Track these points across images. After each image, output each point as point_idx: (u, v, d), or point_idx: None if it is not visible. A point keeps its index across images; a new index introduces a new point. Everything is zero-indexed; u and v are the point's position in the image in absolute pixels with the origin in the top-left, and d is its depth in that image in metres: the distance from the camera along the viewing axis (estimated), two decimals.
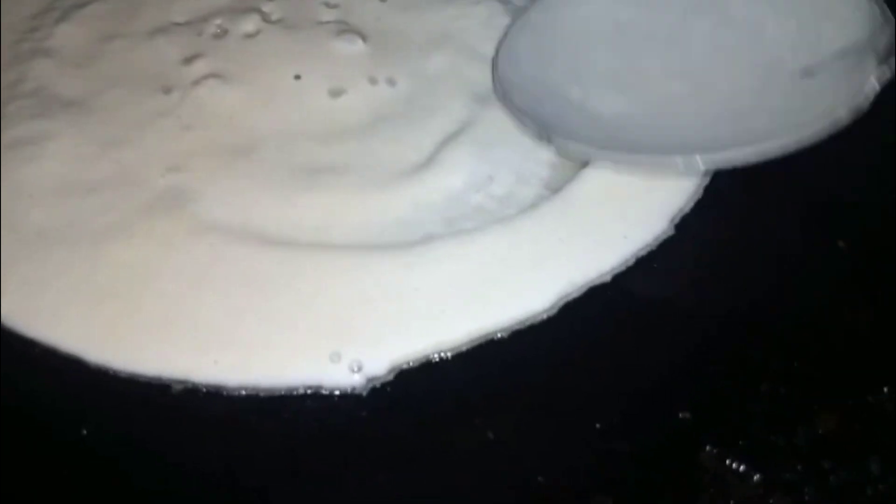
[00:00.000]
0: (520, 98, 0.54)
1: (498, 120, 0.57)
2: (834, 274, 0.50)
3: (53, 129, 0.57)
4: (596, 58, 0.55)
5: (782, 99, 0.51)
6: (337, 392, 0.45)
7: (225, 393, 0.45)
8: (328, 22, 0.63)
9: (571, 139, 0.51)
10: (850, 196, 0.54)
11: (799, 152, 0.49)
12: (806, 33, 0.53)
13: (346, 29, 0.62)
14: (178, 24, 0.64)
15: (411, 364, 0.46)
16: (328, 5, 0.64)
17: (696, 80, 0.53)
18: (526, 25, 0.58)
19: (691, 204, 0.54)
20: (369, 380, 0.46)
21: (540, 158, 0.55)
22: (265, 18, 0.63)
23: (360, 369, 0.46)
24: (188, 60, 0.61)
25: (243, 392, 0.45)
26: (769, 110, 0.51)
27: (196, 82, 0.59)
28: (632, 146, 0.50)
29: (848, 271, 0.50)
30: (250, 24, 0.63)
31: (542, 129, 0.52)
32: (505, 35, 0.59)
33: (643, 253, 0.51)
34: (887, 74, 0.48)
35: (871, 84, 0.48)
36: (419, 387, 0.46)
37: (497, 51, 0.58)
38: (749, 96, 0.52)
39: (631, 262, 0.51)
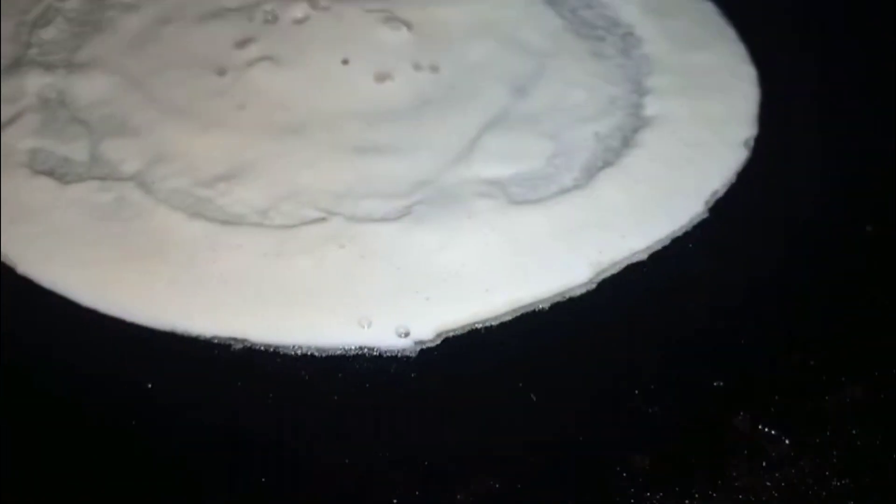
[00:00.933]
0: None
1: (536, 107, 0.59)
2: (862, 255, 0.52)
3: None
4: None
5: None
6: (388, 354, 0.48)
7: (282, 352, 0.48)
8: (374, 10, 0.65)
9: None
10: (875, 185, 0.56)
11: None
12: None
13: (391, 17, 0.64)
14: (230, 10, 0.66)
15: (457, 331, 0.48)
16: None
17: None
18: None
19: (725, 188, 0.56)
20: (417, 343, 0.48)
21: (577, 144, 0.58)
22: (314, 5, 0.66)
23: (407, 335, 0.48)
24: (241, 44, 0.63)
25: (300, 352, 0.48)
26: None
27: (249, 64, 0.62)
28: None
29: (875, 253, 0.52)
30: (299, 10, 0.65)
31: None
32: None
33: (679, 233, 0.53)
34: None
35: None
36: (464, 352, 0.48)
37: None
38: None
39: (667, 242, 0.53)
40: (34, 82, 0.61)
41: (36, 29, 0.65)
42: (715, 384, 0.46)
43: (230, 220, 0.53)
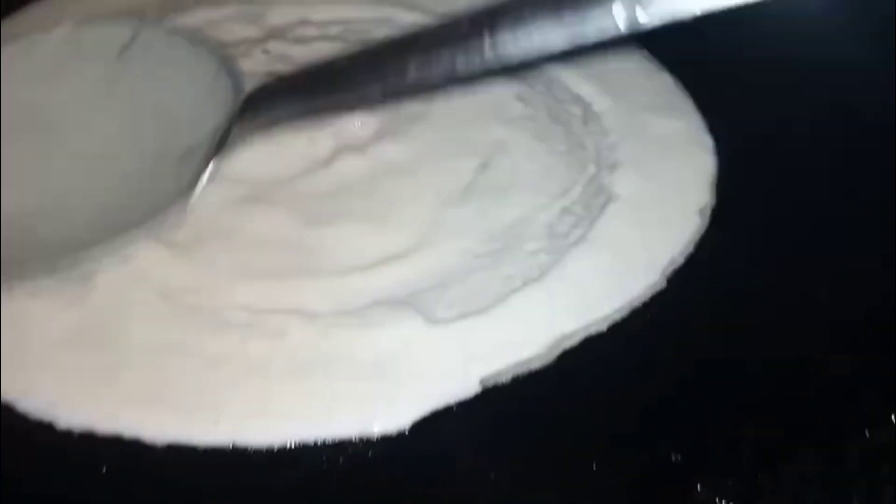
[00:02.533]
0: None
1: (497, 181, 0.60)
2: (820, 324, 0.53)
3: None
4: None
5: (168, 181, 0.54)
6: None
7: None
8: None
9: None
10: (833, 252, 0.57)
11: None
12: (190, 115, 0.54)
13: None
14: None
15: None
16: None
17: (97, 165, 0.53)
18: None
19: (683, 257, 0.57)
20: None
21: (535, 218, 0.59)
22: None
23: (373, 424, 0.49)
24: None
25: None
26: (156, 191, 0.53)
27: None
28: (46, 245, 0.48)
29: (829, 319, 0.53)
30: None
31: None
32: None
33: (637, 304, 0.54)
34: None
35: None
36: (430, 436, 0.48)
37: None
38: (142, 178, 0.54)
39: (625, 313, 0.53)
40: None
41: None
42: (672, 457, 0.47)
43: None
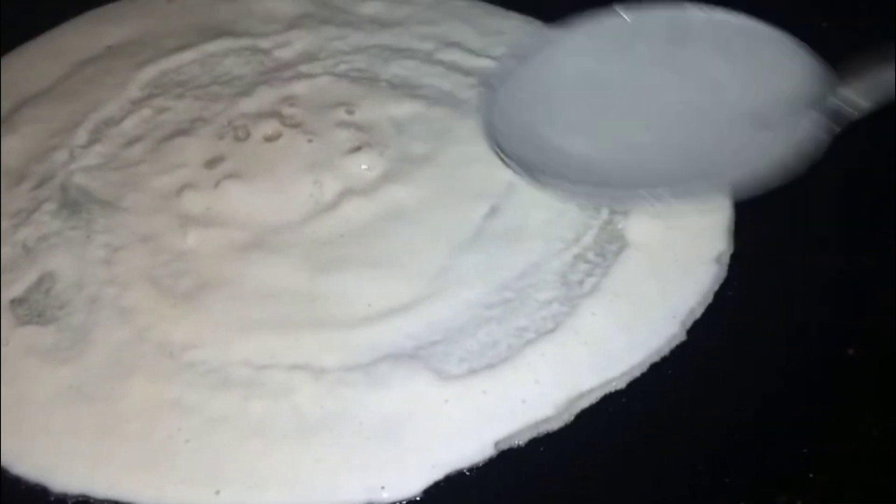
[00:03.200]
0: (507, 144, 0.59)
1: (507, 226, 0.59)
2: (846, 382, 0.51)
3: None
4: (572, 108, 0.61)
5: (738, 146, 0.56)
6: None
7: None
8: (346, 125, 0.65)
9: (550, 177, 0.57)
10: (855, 303, 0.55)
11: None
12: (755, 84, 0.58)
13: (364, 142, 0.64)
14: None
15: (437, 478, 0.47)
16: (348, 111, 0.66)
17: (658, 128, 0.59)
18: (511, 79, 0.62)
19: (701, 308, 0.55)
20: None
21: (548, 266, 0.57)
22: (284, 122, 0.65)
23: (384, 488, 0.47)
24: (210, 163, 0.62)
25: None
26: (725, 156, 0.56)
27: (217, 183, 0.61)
28: (601, 183, 0.56)
29: (859, 379, 0.51)
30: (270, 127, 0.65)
31: (527, 169, 0.58)
32: (493, 89, 0.62)
33: (656, 359, 0.52)
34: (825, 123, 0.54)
35: (816, 131, 0.54)
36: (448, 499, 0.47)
37: (486, 103, 0.61)
38: (706, 144, 0.57)
39: (644, 369, 0.51)
40: None
41: None
42: None
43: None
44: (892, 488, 0.46)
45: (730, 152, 0.56)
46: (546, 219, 0.59)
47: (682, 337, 0.53)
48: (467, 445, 0.48)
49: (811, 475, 0.46)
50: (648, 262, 0.57)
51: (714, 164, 0.56)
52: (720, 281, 0.56)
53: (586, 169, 0.57)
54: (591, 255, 0.58)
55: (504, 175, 0.61)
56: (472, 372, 0.51)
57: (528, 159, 0.58)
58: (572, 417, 0.50)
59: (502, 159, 0.58)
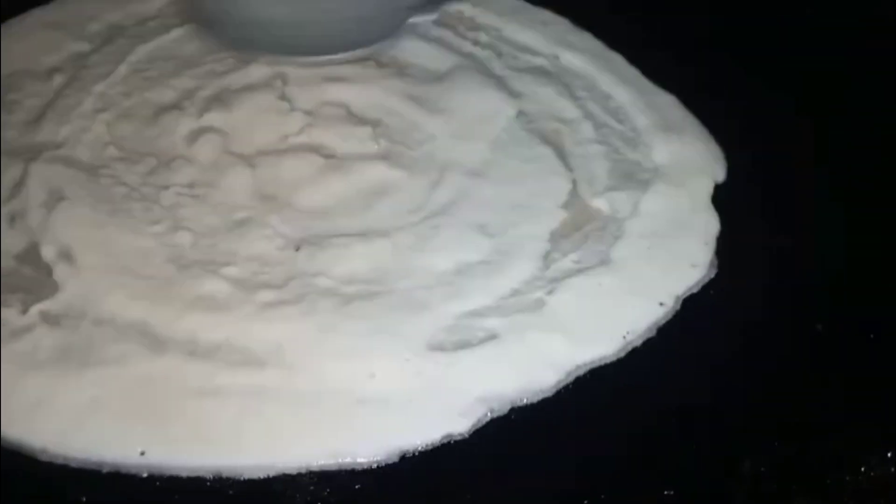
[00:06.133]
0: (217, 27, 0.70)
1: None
2: (812, 355, 0.52)
3: None
4: None
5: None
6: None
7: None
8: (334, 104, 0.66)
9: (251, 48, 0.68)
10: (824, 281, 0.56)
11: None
12: None
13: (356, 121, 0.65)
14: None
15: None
16: None
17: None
18: None
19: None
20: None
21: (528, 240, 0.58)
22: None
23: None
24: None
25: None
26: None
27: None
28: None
29: (826, 352, 0.52)
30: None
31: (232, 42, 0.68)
32: None
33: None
34: None
35: None
36: (430, 467, 0.48)
37: None
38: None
39: (622, 355, 0.53)
40: None
41: None
42: (665, 492, 0.46)
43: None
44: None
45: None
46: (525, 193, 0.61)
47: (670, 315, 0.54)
48: (448, 414, 0.49)
49: (775, 443, 0.48)
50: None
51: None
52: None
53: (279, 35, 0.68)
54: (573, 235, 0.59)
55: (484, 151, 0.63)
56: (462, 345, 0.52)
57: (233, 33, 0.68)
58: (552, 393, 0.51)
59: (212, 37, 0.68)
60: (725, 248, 0.58)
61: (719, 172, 0.63)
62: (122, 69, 0.68)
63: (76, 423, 0.49)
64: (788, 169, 0.63)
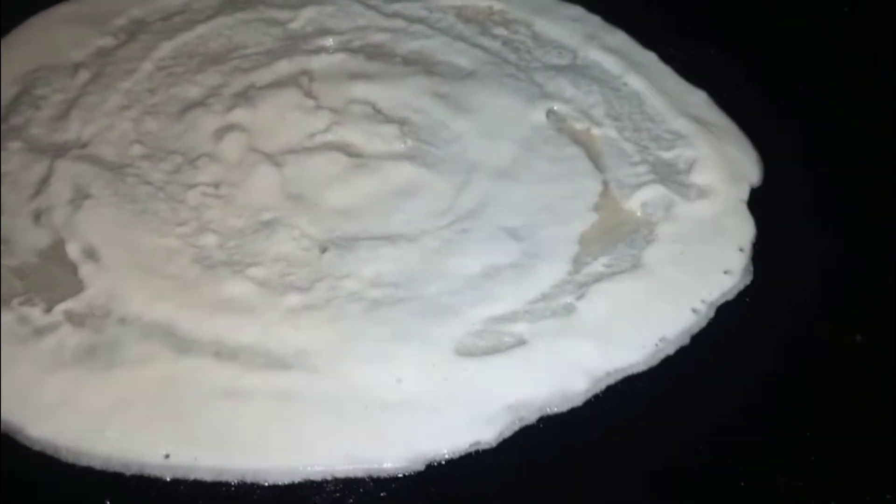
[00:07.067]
0: None
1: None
2: (852, 367, 0.51)
3: None
4: None
5: None
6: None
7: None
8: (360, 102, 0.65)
9: None
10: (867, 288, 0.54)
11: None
12: None
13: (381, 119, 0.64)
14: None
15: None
16: None
17: None
18: None
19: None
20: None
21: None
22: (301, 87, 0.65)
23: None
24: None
25: None
26: None
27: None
28: None
29: (866, 364, 0.51)
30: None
31: None
32: None
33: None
34: None
35: None
36: (460, 474, 0.47)
37: None
38: None
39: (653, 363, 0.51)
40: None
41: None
42: None
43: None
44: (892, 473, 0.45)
45: None
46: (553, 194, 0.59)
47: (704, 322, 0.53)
48: (477, 423, 0.48)
49: (812, 457, 0.46)
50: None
51: None
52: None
53: None
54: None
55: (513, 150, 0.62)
56: (492, 350, 0.51)
57: None
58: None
59: None
60: (761, 254, 0.56)
61: (755, 175, 0.61)
62: (147, 66, 0.67)
63: (101, 424, 0.48)
64: (827, 172, 0.61)
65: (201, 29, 0.70)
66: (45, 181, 0.59)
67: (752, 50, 0.69)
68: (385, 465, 0.47)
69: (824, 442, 0.48)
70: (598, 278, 0.55)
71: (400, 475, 0.47)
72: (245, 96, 0.64)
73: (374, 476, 0.47)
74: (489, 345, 0.51)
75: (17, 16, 0.70)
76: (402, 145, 0.62)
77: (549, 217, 0.58)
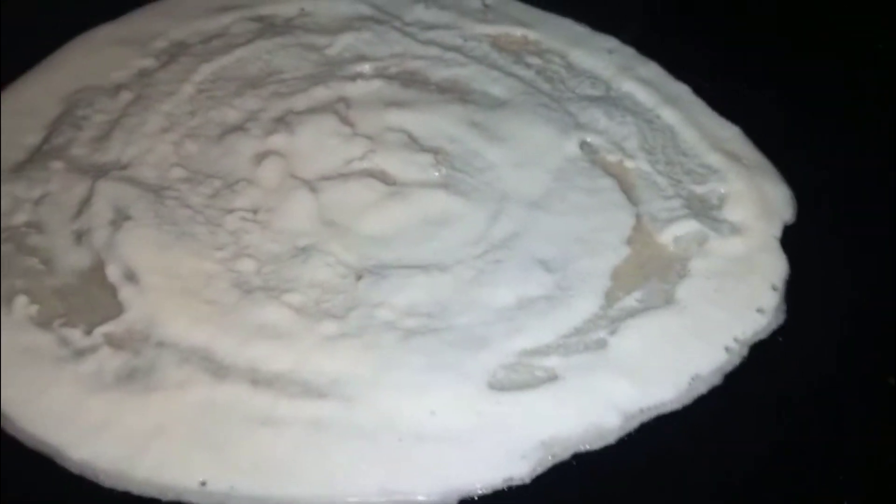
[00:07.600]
0: None
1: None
2: (886, 409, 0.51)
3: None
4: None
5: None
6: None
7: None
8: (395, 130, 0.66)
9: None
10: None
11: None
12: None
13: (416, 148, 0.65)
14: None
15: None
16: None
17: None
18: None
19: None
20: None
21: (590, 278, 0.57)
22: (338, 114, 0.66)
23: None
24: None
25: None
26: None
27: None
28: None
29: None
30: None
31: None
32: None
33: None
34: None
35: None
36: None
37: None
38: None
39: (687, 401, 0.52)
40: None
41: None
42: None
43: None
44: None
45: None
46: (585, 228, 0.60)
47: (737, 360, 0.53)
48: (512, 459, 0.49)
49: (845, 502, 0.46)
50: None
51: None
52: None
53: None
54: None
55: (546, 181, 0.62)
56: (525, 385, 0.52)
57: None
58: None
59: None
60: (795, 292, 0.56)
61: (788, 212, 0.62)
62: (188, 88, 0.68)
63: (140, 449, 0.49)
64: (861, 210, 0.61)
65: (240, 52, 0.71)
66: (86, 202, 0.60)
67: (785, 85, 0.69)
68: (418, 499, 0.47)
69: (855, 485, 0.47)
70: (632, 314, 0.55)
71: None
72: (283, 122, 0.65)
73: None
74: (522, 379, 0.52)
75: (60, 37, 0.71)
76: (437, 174, 0.63)
77: (582, 249, 0.59)
